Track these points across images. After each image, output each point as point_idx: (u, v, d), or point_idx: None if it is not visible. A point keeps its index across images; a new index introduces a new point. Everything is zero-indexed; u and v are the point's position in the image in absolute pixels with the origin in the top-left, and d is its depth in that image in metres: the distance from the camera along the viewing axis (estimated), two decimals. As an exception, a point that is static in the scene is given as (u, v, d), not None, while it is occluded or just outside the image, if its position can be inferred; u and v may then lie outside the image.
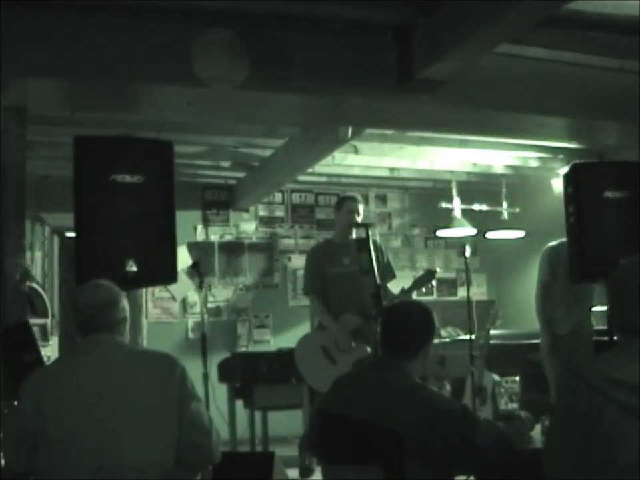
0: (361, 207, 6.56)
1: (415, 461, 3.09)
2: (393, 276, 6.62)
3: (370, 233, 5.88)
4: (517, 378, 4.52)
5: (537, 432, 3.84)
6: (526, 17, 4.56)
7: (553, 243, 6.58)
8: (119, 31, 4.99)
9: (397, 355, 3.39)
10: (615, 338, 2.74)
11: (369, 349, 6.16)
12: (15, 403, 3.31)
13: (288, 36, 5.29)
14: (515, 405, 4.40)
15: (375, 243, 6.03)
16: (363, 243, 5.83)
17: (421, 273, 6.85)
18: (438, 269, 7.00)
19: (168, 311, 9.43)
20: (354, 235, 6.42)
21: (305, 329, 6.83)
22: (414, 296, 6.47)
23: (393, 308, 3.81)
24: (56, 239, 9.14)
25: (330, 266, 6.53)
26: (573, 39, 5.46)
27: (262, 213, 10.05)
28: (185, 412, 3.26)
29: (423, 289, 8.63)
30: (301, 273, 7.49)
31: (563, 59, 5.90)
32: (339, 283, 6.47)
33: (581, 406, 2.52)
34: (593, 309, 6.69)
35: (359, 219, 6.46)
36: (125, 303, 3.44)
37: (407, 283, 6.31)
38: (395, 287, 6.48)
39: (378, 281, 5.74)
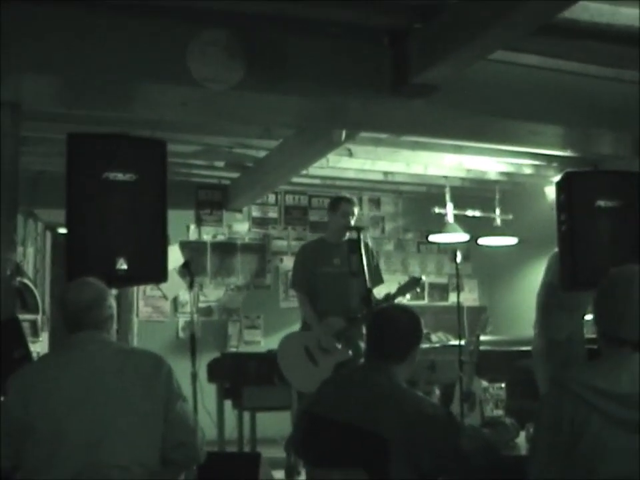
0: (356, 209, 6.54)
1: (400, 465, 3.10)
2: (380, 281, 6.58)
3: (362, 236, 5.88)
4: (503, 385, 4.53)
5: (521, 439, 3.84)
6: (522, 24, 4.56)
7: None
8: (115, 29, 4.98)
9: (384, 358, 3.39)
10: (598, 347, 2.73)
11: (350, 352, 6.18)
12: (2, 398, 3.30)
13: (284, 38, 5.28)
14: (500, 412, 4.41)
15: (366, 245, 6.01)
16: (355, 244, 5.82)
17: (406, 279, 6.79)
18: (423, 277, 6.96)
19: (159, 310, 9.40)
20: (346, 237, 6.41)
21: (295, 330, 6.80)
22: (404, 301, 6.46)
23: (381, 311, 3.81)
24: (49, 235, 9.13)
25: (321, 265, 6.51)
26: (568, 48, 5.46)
27: (255, 213, 10.05)
28: (170, 411, 3.27)
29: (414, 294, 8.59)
30: (293, 274, 7.49)
31: (558, 67, 5.89)
32: (327, 282, 6.45)
33: (565, 415, 2.53)
34: (586, 317, 6.67)
35: (353, 221, 6.45)
36: (112, 301, 3.46)
37: (394, 288, 6.29)
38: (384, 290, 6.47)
39: (368, 284, 5.74)
